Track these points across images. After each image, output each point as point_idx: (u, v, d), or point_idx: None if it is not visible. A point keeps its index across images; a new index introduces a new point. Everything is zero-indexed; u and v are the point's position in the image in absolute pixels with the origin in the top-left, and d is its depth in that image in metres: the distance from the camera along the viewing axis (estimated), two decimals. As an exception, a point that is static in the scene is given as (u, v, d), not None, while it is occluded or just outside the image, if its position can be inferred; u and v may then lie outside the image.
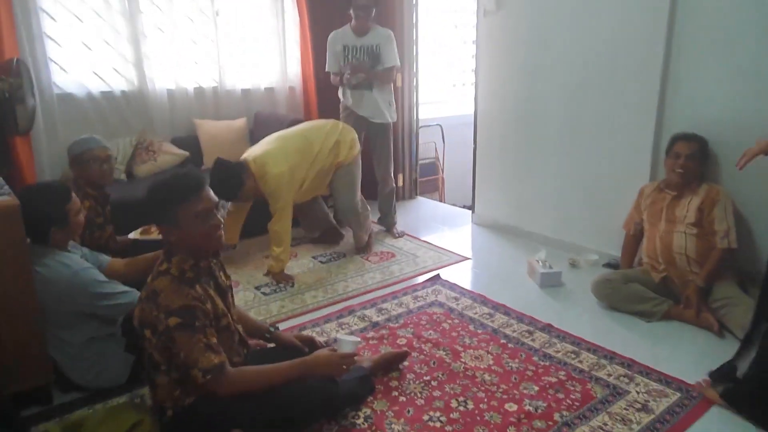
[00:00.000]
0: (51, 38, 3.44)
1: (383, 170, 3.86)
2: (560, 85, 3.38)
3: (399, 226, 4.00)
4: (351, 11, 3.58)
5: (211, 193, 1.66)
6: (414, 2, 4.48)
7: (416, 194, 4.97)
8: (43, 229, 1.94)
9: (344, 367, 1.78)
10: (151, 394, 1.71)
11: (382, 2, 4.14)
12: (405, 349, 2.34)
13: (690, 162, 2.60)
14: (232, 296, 1.85)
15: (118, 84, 3.75)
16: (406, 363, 2.26)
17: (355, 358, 1.88)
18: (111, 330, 2.06)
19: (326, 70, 3.81)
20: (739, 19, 2.60)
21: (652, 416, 1.93)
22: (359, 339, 1.96)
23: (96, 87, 3.66)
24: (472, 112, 4.09)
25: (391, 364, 2.22)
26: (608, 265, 3.19)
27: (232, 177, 2.96)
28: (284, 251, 3.11)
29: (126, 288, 2.01)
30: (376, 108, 3.71)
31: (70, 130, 3.44)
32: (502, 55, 3.70)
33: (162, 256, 1.65)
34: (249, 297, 2.93)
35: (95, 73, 3.66)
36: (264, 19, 4.22)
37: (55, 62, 3.48)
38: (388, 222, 3.98)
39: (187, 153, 3.88)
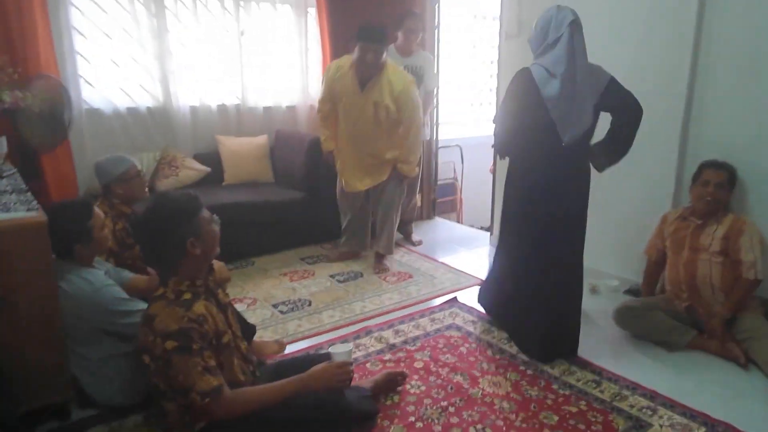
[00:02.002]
0: (81, 55, 3.52)
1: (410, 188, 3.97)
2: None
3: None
4: (400, 32, 3.79)
5: None
6: (435, 22, 4.52)
7: (434, 215, 4.96)
8: (67, 246, 1.96)
9: (343, 375, 1.77)
10: (163, 420, 1.70)
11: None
12: (403, 369, 2.31)
13: (719, 190, 2.55)
14: (233, 313, 1.86)
15: (144, 100, 3.81)
16: (410, 388, 2.24)
17: (358, 384, 1.85)
18: (129, 348, 2.05)
19: None
20: (766, 43, 2.57)
21: (677, 452, 1.88)
22: (351, 346, 1.94)
23: (122, 103, 3.73)
24: (491, 133, 4.07)
25: (391, 383, 2.20)
26: (629, 292, 3.14)
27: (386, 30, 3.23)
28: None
29: (145, 305, 2.01)
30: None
31: (97, 144, 3.53)
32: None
33: (157, 283, 1.68)
34: (266, 315, 2.93)
35: (122, 89, 3.73)
36: (287, 39, 4.28)
37: (83, 78, 3.56)
38: (406, 231, 4.15)
39: (208, 169, 3.93)
